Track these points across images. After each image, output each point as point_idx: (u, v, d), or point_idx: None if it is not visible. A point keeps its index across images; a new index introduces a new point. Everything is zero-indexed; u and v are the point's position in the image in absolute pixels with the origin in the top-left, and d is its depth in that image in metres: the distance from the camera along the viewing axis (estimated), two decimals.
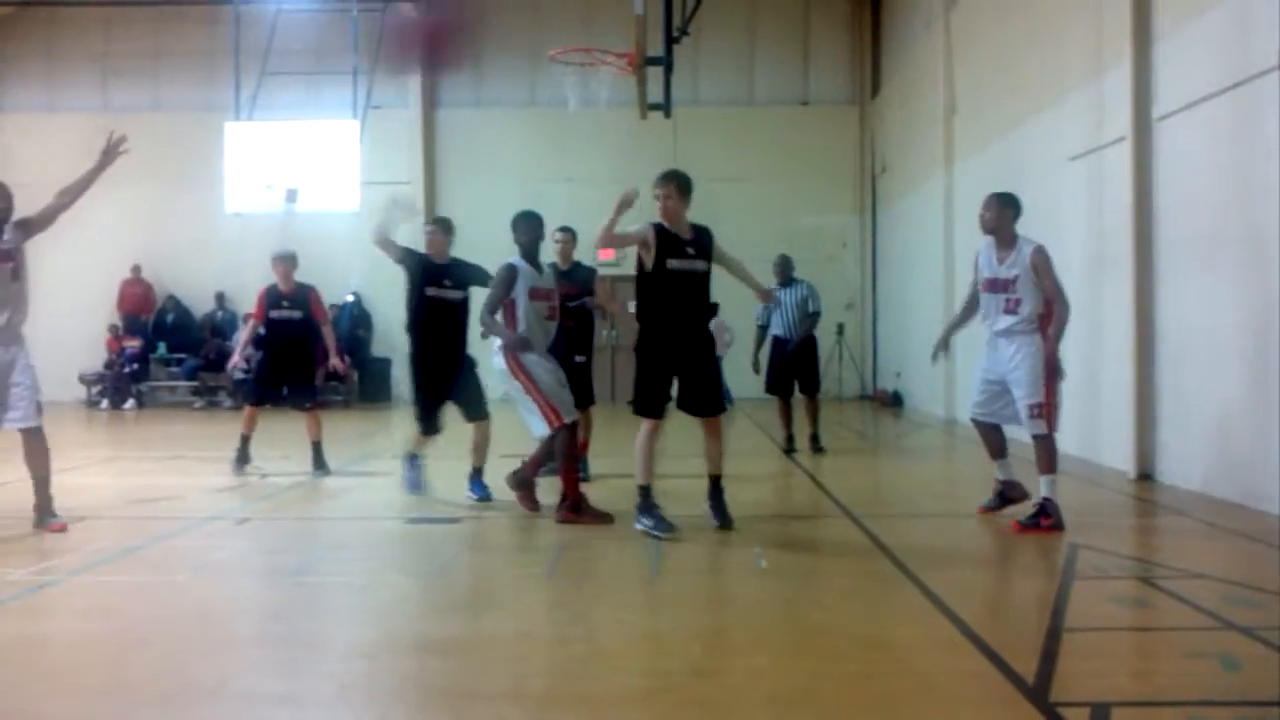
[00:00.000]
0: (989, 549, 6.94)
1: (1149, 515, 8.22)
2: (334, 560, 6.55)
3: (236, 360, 12.52)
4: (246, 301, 21.26)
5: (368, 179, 17.67)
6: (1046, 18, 12.13)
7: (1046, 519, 7.00)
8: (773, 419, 12.52)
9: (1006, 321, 7.32)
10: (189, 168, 20.62)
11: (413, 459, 8.87)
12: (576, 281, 9.21)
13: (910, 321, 18.54)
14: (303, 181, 17.05)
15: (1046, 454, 7.11)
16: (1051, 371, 7.22)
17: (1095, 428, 10.59)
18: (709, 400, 7.18)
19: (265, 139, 17.44)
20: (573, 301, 9.00)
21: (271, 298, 10.35)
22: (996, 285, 7.37)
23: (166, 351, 21.11)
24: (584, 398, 8.86)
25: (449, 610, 5.44)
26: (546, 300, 7.92)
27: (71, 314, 20.31)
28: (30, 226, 7.42)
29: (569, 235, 9.30)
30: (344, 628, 5.12)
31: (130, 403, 20.02)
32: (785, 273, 12.24)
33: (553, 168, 21.75)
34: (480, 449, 8.46)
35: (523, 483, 7.94)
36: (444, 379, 8.53)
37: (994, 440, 7.60)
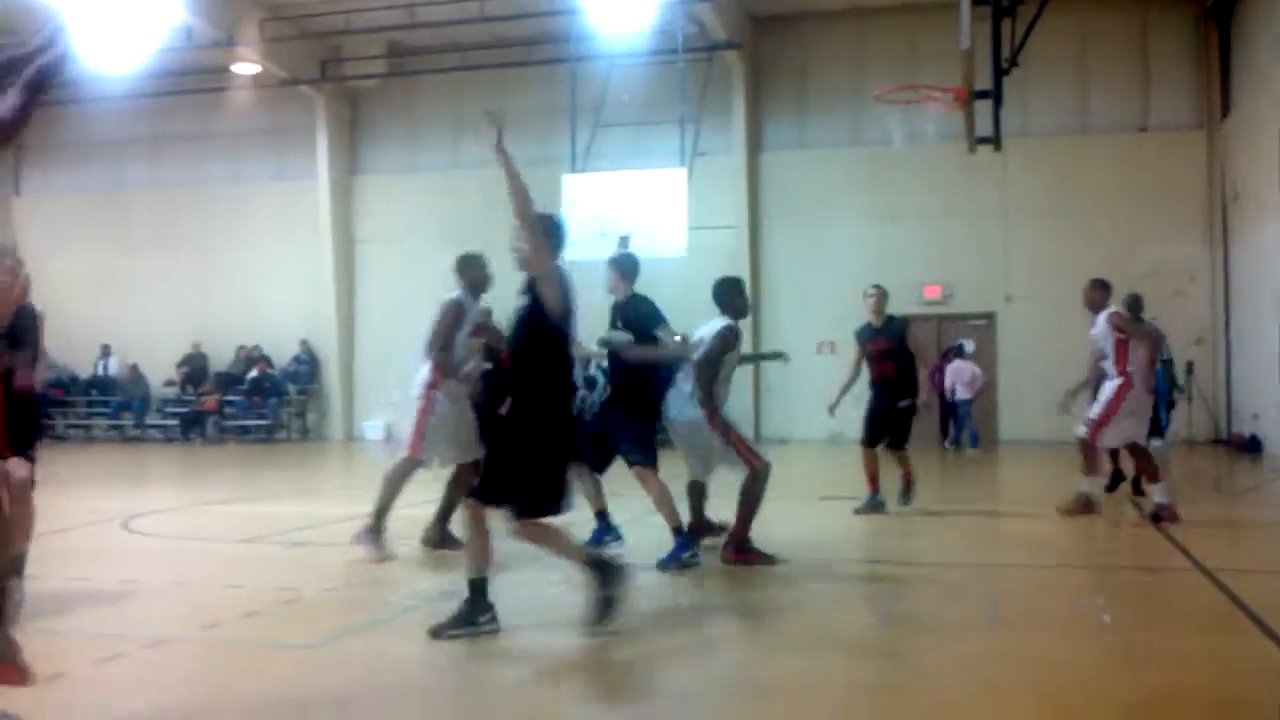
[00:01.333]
0: None
1: None
2: (644, 601, 6.73)
3: None
4: (586, 343, 22.36)
5: (695, 224, 18.16)
6: None
7: None
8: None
9: None
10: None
11: None
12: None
13: (1272, 359, 17.13)
14: (634, 228, 17.70)
15: None
16: None
17: None
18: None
19: (599, 188, 18.24)
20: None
21: None
22: None
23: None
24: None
25: (779, 652, 5.47)
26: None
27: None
28: None
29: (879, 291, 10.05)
30: (666, 664, 5.25)
31: None
32: (1135, 311, 11.62)
33: (878, 207, 21.60)
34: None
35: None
36: None
37: None
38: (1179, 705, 4.41)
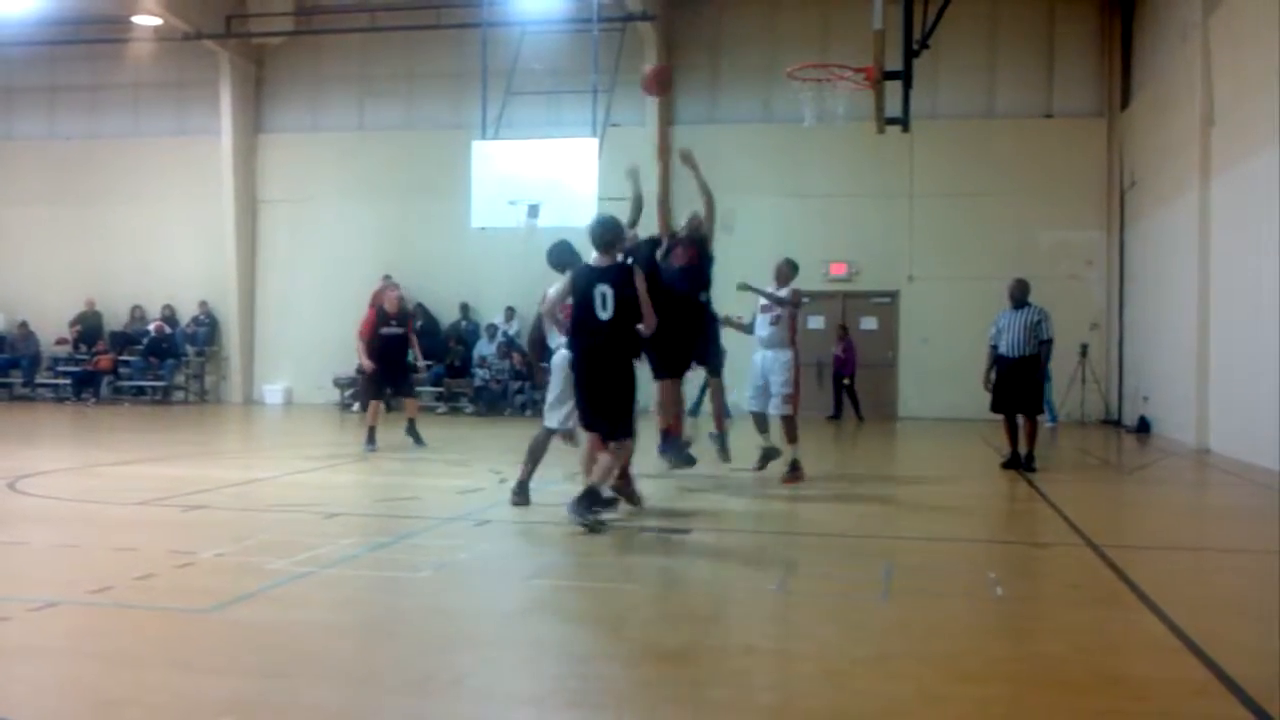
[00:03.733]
0: (1244, 587, 6.54)
1: None
2: (567, 565, 6.74)
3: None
4: (489, 311, 22.26)
5: (605, 195, 18.09)
6: None
7: None
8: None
9: None
10: (438, 183, 21.64)
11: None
12: None
13: (1160, 343, 17.65)
14: (544, 197, 17.61)
15: None
16: None
17: None
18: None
19: (509, 156, 18.08)
20: None
21: None
22: None
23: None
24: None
25: (680, 619, 5.52)
26: None
27: (325, 320, 21.66)
28: None
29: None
30: (577, 632, 5.27)
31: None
32: (1019, 296, 12.18)
33: (787, 183, 21.77)
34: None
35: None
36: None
37: None
38: (1068, 675, 4.53)
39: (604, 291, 7.77)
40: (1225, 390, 14.37)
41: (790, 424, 10.60)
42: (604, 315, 7.75)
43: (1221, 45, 14.82)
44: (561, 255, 8.73)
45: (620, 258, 8.06)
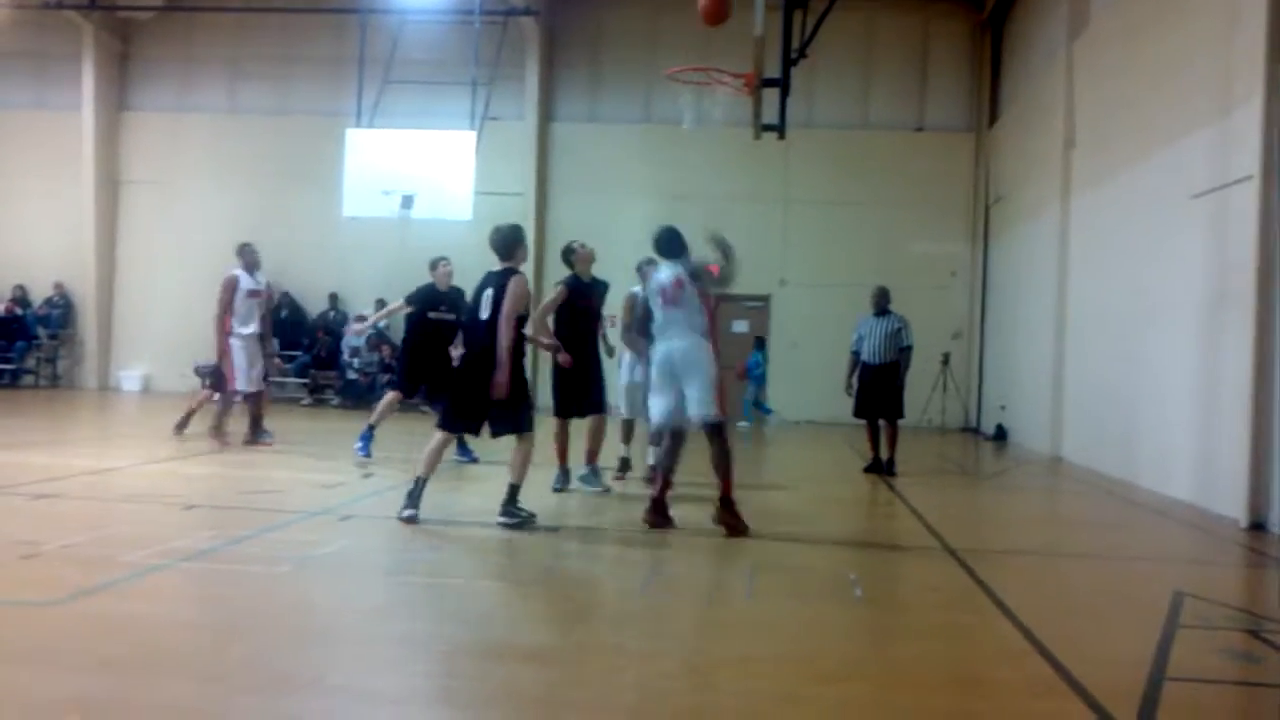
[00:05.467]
0: (1091, 591, 6.79)
1: (1260, 566, 7.96)
2: (434, 562, 6.66)
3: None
4: (358, 302, 21.89)
5: (481, 189, 17.98)
6: (1174, 51, 11.85)
7: None
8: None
9: None
10: (309, 170, 21.22)
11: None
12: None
13: (1018, 354, 18.24)
14: (419, 189, 17.39)
15: None
16: None
17: (1209, 472, 10.30)
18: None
19: (384, 146, 17.84)
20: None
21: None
22: None
23: (278, 348, 21.61)
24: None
25: (545, 619, 5.50)
26: None
27: (187, 309, 21.01)
28: None
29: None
30: (440, 629, 5.21)
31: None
32: (880, 304, 12.54)
33: (664, 185, 21.89)
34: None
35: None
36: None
37: None
38: (924, 676, 4.64)
39: (488, 295, 7.88)
40: (1077, 401, 14.91)
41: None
42: (483, 315, 7.86)
43: (1083, 70, 15.38)
44: (672, 243, 8.68)
45: (519, 267, 8.11)
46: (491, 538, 7.46)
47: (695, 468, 8.79)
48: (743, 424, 20.16)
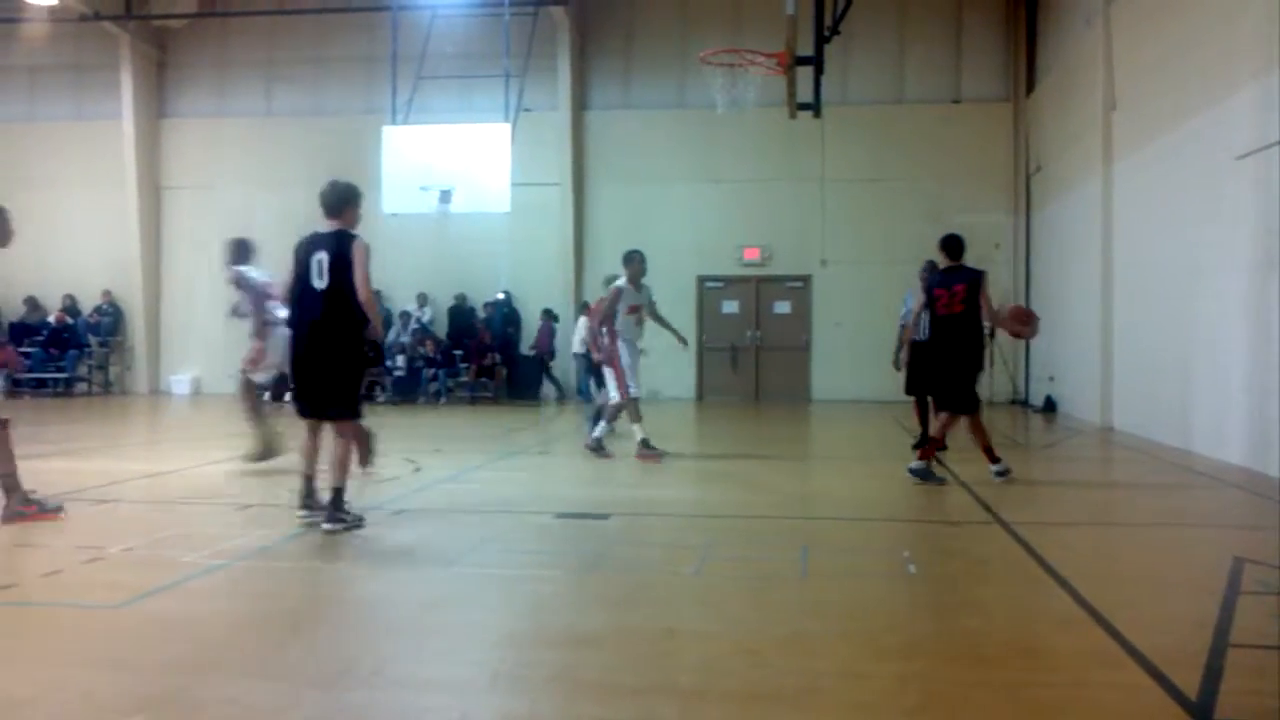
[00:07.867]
0: (1150, 560, 6.72)
1: None
2: (486, 552, 6.69)
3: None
4: (401, 299, 22.02)
5: (518, 180, 18.01)
6: (1217, 9, 11.66)
7: None
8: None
9: None
10: (347, 169, 21.00)
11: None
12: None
13: (1065, 325, 18.04)
14: (456, 183, 17.45)
15: None
16: None
17: (1265, 436, 10.16)
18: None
19: (421, 142, 17.90)
20: None
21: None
22: None
23: None
24: None
25: (598, 604, 5.51)
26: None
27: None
28: None
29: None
30: (496, 618, 5.23)
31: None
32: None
33: (701, 168, 21.87)
34: None
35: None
36: None
37: None
38: (982, 650, 4.61)
39: (320, 259, 7.20)
40: (1127, 370, 14.74)
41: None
42: (320, 285, 7.18)
43: (1122, 31, 15.16)
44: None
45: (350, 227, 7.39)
46: (540, 526, 7.49)
47: (751, 451, 8.76)
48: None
